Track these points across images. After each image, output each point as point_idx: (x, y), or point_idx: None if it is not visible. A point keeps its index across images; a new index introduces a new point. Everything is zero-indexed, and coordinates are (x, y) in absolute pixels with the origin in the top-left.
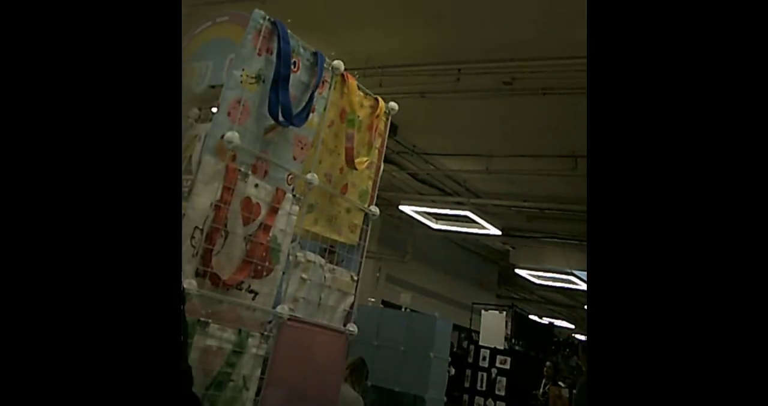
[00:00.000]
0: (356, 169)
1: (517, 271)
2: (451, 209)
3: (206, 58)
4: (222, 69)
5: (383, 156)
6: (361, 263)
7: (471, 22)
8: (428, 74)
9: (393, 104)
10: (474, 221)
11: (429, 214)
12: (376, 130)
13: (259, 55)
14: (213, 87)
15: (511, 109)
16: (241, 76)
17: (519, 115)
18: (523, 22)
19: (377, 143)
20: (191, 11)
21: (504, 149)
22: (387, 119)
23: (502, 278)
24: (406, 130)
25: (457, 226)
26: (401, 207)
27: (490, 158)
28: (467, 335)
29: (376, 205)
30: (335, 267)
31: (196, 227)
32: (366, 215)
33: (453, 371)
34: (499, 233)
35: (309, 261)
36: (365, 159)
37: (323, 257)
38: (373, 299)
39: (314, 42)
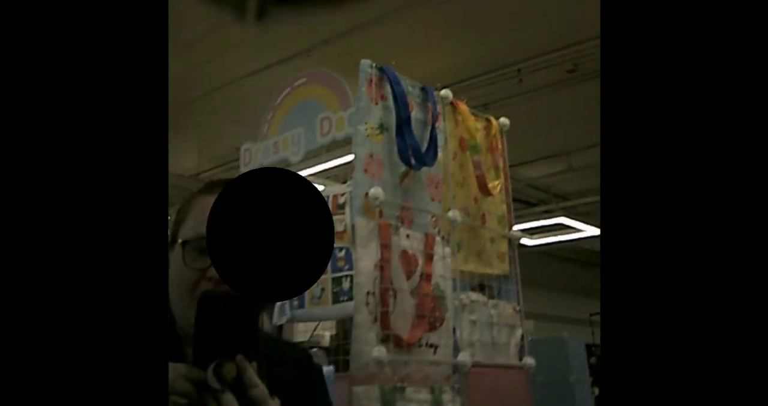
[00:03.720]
0: (491, 195)
1: None
2: (541, 219)
3: (295, 126)
4: (314, 132)
5: (509, 176)
6: (518, 292)
7: (521, 18)
8: (488, 84)
9: (504, 120)
10: (569, 227)
11: (522, 231)
12: (497, 151)
13: (376, 104)
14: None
15: (579, 98)
16: (366, 129)
17: (589, 102)
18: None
19: (501, 164)
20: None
21: (582, 142)
22: (502, 137)
23: None
24: None
25: (553, 236)
26: None
27: (569, 155)
28: (593, 351)
29: None
30: (498, 301)
31: (368, 292)
32: (510, 240)
33: (597, 391)
34: (598, 231)
35: (473, 301)
36: (496, 182)
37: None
38: None
39: None
